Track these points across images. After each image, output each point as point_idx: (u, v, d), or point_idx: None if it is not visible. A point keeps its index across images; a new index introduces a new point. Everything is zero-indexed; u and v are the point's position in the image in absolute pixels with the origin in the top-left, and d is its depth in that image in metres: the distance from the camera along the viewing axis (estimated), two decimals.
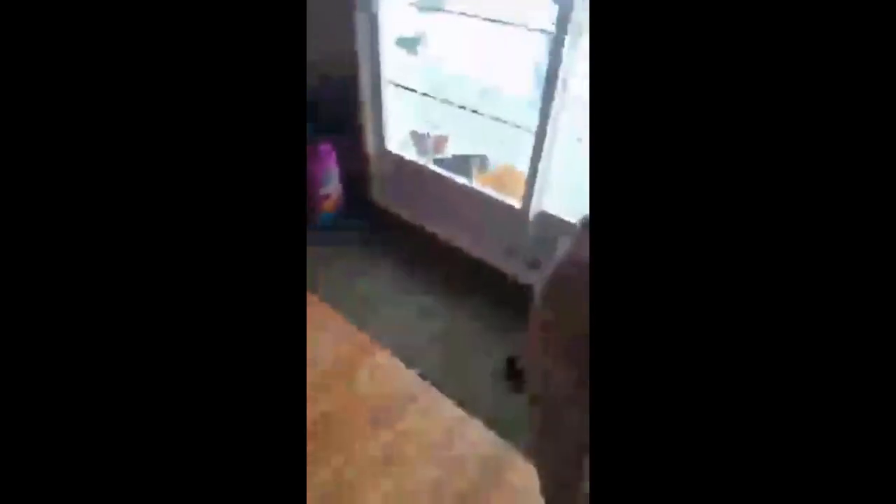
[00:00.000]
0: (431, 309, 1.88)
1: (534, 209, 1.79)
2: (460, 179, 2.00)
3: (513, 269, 1.95)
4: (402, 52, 4.49)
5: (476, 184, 1.97)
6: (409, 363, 1.67)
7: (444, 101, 1.91)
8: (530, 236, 1.85)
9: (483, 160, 2.52)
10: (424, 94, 1.96)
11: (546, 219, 1.80)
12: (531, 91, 4.13)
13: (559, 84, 1.52)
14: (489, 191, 1.93)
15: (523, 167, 2.56)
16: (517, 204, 1.84)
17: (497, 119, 1.77)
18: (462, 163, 2.43)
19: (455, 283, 1.99)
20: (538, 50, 3.99)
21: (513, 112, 3.31)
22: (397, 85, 2.03)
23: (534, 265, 1.91)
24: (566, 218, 1.76)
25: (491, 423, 1.49)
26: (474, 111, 1.79)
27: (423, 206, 2.17)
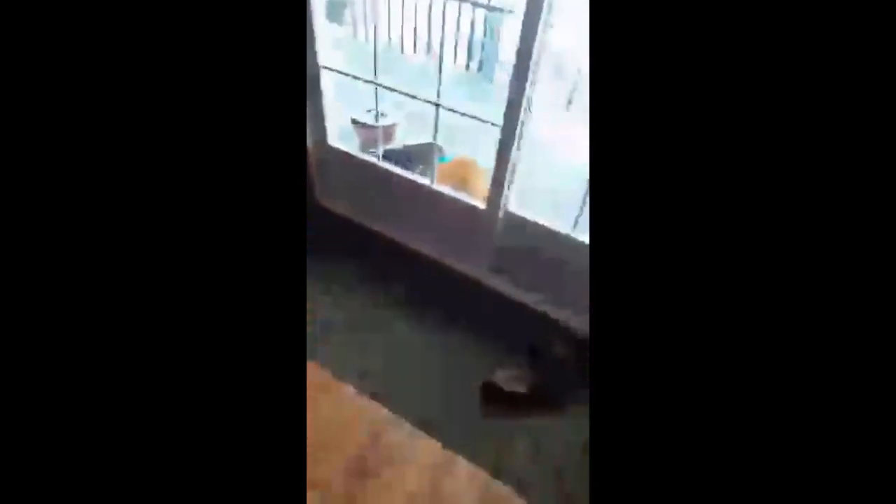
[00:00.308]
0: (394, 328, 1.69)
1: (502, 210, 1.63)
2: (417, 178, 1.78)
3: (479, 274, 1.80)
4: (334, 27, 4.09)
5: (435, 181, 1.76)
6: (377, 398, 1.47)
7: (403, 92, 1.66)
8: (497, 239, 1.69)
9: (439, 150, 2.29)
10: (377, 83, 1.70)
11: (514, 221, 1.64)
12: (465, 63, 3.92)
13: (530, 72, 1.34)
14: (450, 190, 1.73)
15: (480, 156, 2.38)
16: (481, 205, 1.66)
17: (453, 111, 1.56)
18: (415, 154, 2.20)
19: (418, 295, 1.80)
20: (470, 20, 3.78)
21: (454, 88, 3.07)
22: (333, 69, 1.74)
23: (498, 270, 1.77)
24: (536, 220, 1.61)
25: (476, 460, 1.35)
26: (436, 102, 1.56)
27: (375, 208, 1.93)
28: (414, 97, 1.62)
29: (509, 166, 1.52)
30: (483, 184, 2.17)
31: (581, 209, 1.52)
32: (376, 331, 1.67)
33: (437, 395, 1.49)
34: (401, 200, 1.85)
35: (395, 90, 1.65)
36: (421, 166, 2.15)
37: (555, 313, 1.70)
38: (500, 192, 1.58)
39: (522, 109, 1.40)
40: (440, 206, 1.75)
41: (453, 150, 2.47)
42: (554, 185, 2.56)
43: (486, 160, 2.34)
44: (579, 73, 3.45)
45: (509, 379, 1.50)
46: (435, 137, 1.70)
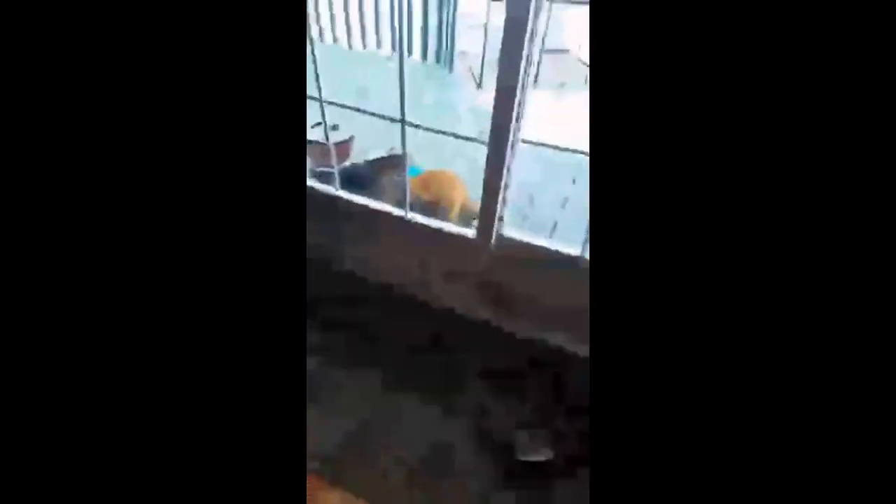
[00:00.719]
0: (382, 397, 1.36)
1: (494, 237, 1.31)
2: (389, 208, 1.44)
3: (476, 311, 1.49)
4: None
5: (408, 201, 1.42)
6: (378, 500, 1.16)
7: (359, 109, 1.30)
8: (492, 272, 1.39)
9: (403, 160, 1.94)
10: (325, 101, 1.33)
11: (510, 246, 1.34)
12: (421, 54, 3.51)
13: (522, 70, 1.01)
14: (431, 220, 1.40)
15: (453, 165, 2.04)
16: (469, 233, 1.34)
17: (418, 127, 1.22)
18: (380, 171, 1.84)
19: (400, 343, 1.48)
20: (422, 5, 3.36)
21: (413, 81, 2.70)
22: None
23: (497, 302, 1.47)
24: (536, 242, 1.31)
25: None
26: (402, 120, 1.21)
27: (344, 243, 1.59)
28: (372, 114, 1.26)
29: (500, 191, 1.20)
30: (460, 197, 1.85)
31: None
32: (362, 399, 1.35)
33: (448, 482, 1.19)
34: (371, 234, 1.51)
35: (349, 107, 1.29)
36: (393, 182, 1.80)
37: (573, 348, 1.42)
38: (492, 218, 1.27)
39: (514, 119, 1.08)
40: (420, 237, 1.42)
41: (420, 153, 2.12)
42: (543, 184, 2.26)
43: (449, 164, 2.02)
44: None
45: (530, 443, 1.22)
46: (403, 147, 1.35)
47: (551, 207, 2.13)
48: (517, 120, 1.09)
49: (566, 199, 2.13)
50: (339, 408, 1.31)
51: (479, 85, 3.25)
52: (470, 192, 1.89)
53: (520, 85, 1.03)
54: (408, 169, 1.51)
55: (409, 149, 1.39)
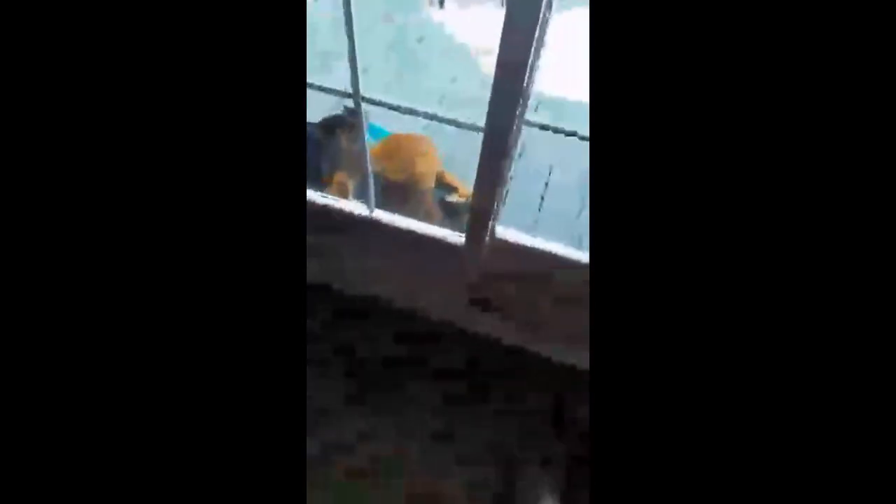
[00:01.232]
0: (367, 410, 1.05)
1: (487, 243, 0.94)
2: (356, 209, 1.01)
3: (461, 318, 1.17)
4: None
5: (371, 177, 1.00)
6: None
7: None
8: (481, 271, 1.04)
9: (353, 115, 1.44)
10: None
11: (503, 247, 0.97)
12: None
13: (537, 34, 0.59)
14: (406, 222, 0.99)
15: (421, 129, 1.54)
16: (458, 238, 0.96)
17: (382, 106, 0.78)
18: (333, 131, 1.35)
19: (387, 356, 1.15)
20: None
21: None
22: None
23: (485, 307, 1.14)
24: (526, 243, 0.95)
25: None
26: (361, 96, 0.77)
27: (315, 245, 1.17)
28: (320, 88, 0.79)
29: (502, 183, 0.81)
30: (433, 168, 1.42)
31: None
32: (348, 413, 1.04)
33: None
34: (336, 238, 1.10)
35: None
36: (352, 149, 1.33)
37: (573, 361, 1.14)
38: (486, 218, 0.89)
39: (527, 78, 0.67)
40: (394, 241, 1.03)
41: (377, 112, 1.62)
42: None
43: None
44: None
45: (530, 490, 0.97)
46: (358, 107, 0.88)
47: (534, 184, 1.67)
48: (530, 75, 0.67)
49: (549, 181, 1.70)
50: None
51: (442, 4, 2.63)
52: (442, 154, 1.47)
53: (539, 21, 0.61)
54: (367, 129, 1.05)
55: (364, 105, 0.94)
